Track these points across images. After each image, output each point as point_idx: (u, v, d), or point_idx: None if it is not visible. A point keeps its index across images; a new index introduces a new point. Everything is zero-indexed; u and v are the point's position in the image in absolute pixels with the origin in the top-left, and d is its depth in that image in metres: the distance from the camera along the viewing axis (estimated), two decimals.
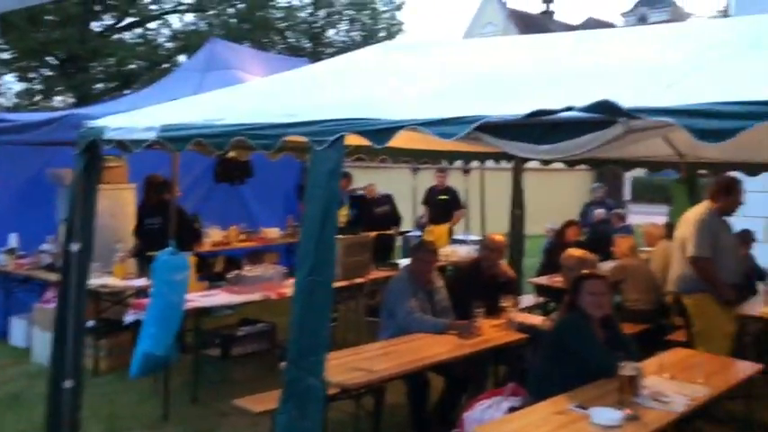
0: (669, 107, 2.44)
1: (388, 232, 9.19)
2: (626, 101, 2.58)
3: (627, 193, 20.85)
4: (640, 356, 4.15)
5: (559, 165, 8.24)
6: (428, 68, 4.46)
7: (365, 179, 9.94)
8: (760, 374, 4.49)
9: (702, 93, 2.60)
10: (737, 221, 10.00)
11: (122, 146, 4.20)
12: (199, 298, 5.62)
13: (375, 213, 9.39)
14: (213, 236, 8.37)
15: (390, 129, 3.13)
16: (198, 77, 8.24)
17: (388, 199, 9.67)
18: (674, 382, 3.70)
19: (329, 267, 3.27)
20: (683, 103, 2.44)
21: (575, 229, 8.14)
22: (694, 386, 3.63)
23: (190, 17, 25.59)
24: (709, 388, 3.65)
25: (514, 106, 2.94)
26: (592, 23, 42.11)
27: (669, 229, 7.77)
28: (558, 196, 11.76)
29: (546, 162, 8.01)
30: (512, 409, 3.55)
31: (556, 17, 45.42)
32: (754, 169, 7.36)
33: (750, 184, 9.13)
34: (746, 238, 7.67)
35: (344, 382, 3.61)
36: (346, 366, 3.81)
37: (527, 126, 2.81)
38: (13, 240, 7.15)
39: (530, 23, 39.21)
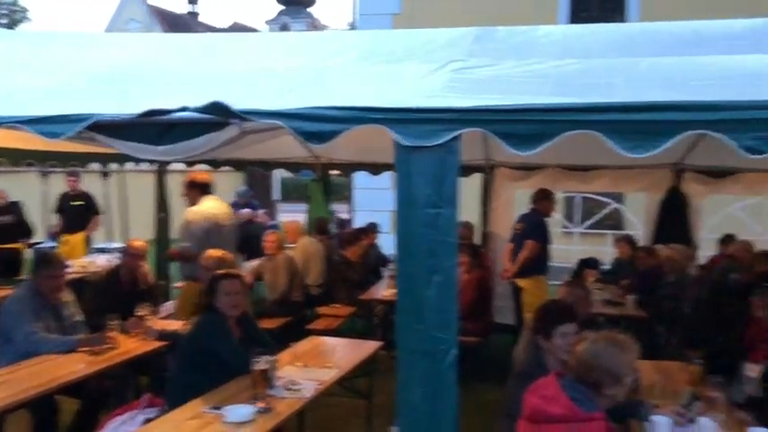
0: (277, 110, 2.56)
1: (12, 245, 8.15)
2: (245, 104, 2.64)
3: (276, 192, 21.76)
4: (282, 348, 4.35)
5: (205, 166, 8.22)
6: (45, 62, 4.02)
7: None
8: (384, 351, 5.06)
9: (316, 98, 2.78)
10: (366, 215, 11.21)
11: None
12: None
13: None
14: None
15: None
16: None
17: (12, 207, 8.56)
18: (306, 368, 3.94)
19: None
20: (290, 107, 2.58)
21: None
22: (324, 370, 3.92)
23: None
24: (338, 369, 3.97)
25: (131, 105, 2.81)
26: (238, 28, 42.99)
27: (314, 225, 8.34)
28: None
29: (190, 163, 7.91)
30: (147, 422, 3.40)
31: (201, 19, 45.26)
32: (377, 169, 8.23)
33: (375, 181, 10.26)
34: (373, 229, 8.59)
35: None
36: None
37: (143, 126, 2.70)
38: None
39: (175, 23, 38.39)
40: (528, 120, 2.34)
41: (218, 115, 2.57)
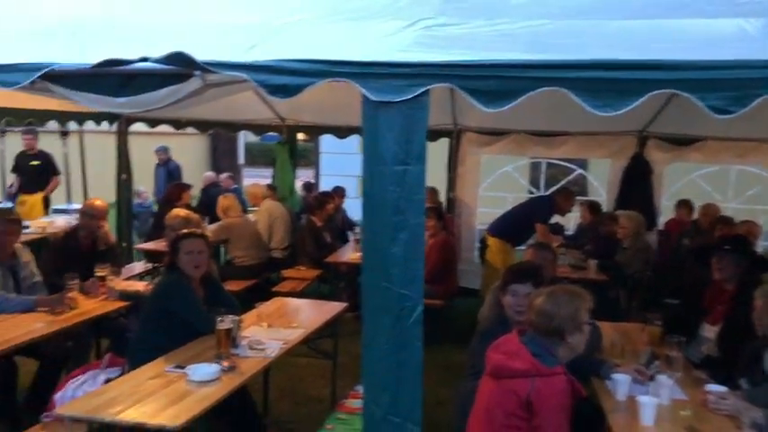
0: (242, 62, 2.48)
1: None
2: (207, 57, 2.55)
3: (241, 156, 21.51)
4: (245, 310, 4.31)
5: (168, 128, 8.05)
6: None
7: None
8: (349, 312, 5.07)
9: (280, 53, 2.71)
10: (332, 180, 11.13)
11: None
12: None
13: None
14: None
15: None
16: None
17: None
18: (271, 329, 3.92)
19: None
20: (255, 60, 2.50)
21: (186, 192, 8.05)
22: (289, 330, 3.90)
23: None
24: (303, 329, 3.96)
25: (87, 55, 2.70)
26: None
27: (277, 187, 8.25)
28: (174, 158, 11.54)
29: (153, 124, 7.74)
30: (108, 381, 3.35)
31: None
32: (343, 132, 8.14)
33: (341, 146, 10.17)
34: (339, 193, 8.55)
35: None
36: None
37: (101, 77, 2.61)
38: None
39: None
40: (497, 76, 2.31)
41: (181, 66, 2.48)
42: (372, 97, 2.38)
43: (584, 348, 2.73)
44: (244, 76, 2.45)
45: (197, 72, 2.55)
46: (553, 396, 2.49)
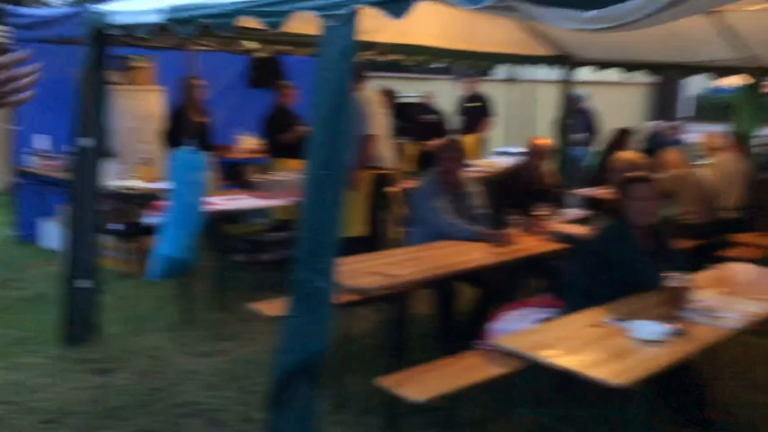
0: None
1: (431, 142, 8.75)
2: None
3: (684, 109, 19.71)
4: (689, 271, 3.77)
5: (613, 77, 7.65)
6: None
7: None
8: None
9: None
10: None
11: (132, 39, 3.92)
12: (223, 201, 5.42)
13: (419, 121, 8.94)
14: (247, 144, 8.12)
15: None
16: None
17: (435, 108, 9.25)
18: (728, 297, 3.31)
19: (341, 161, 2.95)
20: None
21: (629, 137, 7.54)
22: (754, 302, 3.23)
23: None
24: None
25: None
26: None
27: (737, 138, 7.18)
28: (609, 109, 11.13)
29: (601, 67, 7.41)
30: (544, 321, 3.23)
31: None
32: None
33: None
34: None
35: (360, 285, 3.33)
36: (364, 270, 3.53)
37: None
38: (43, 142, 7.03)
39: None
40: None
41: None
42: None
43: None
44: None
45: None
46: None
